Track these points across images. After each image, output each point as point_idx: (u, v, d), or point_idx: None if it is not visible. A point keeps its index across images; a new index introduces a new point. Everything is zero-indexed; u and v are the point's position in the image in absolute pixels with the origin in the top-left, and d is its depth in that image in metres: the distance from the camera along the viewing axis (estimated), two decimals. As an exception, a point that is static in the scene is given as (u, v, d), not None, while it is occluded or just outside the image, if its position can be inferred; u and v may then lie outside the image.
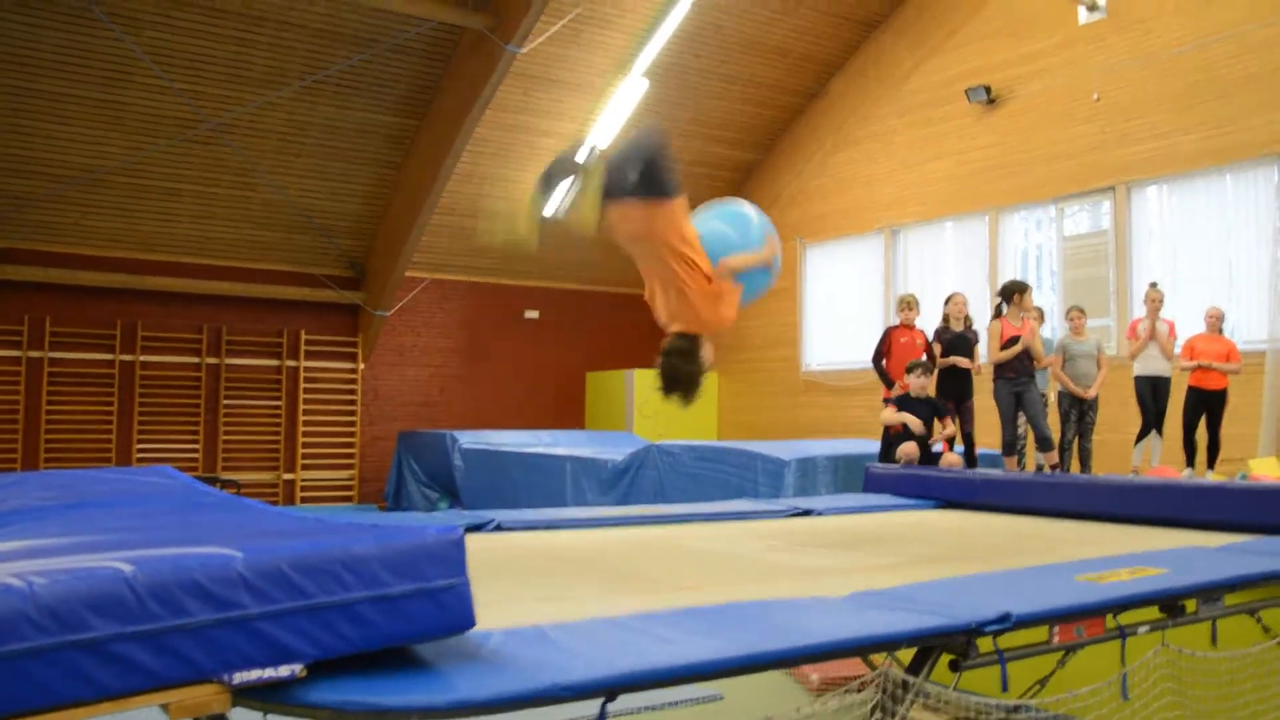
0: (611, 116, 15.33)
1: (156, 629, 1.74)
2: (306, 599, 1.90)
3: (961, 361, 8.92)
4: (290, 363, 15.69)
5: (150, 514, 2.93)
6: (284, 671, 1.87)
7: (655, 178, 4.20)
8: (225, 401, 15.16)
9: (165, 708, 1.77)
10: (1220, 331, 9.78)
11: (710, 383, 17.51)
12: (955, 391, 8.93)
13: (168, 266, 14.75)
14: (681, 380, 4.33)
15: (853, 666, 5.14)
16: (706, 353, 4.34)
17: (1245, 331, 11.30)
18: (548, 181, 4.44)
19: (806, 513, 5.92)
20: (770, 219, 4.78)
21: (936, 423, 8.48)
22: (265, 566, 1.89)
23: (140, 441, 14.48)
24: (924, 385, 8.34)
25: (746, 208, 4.65)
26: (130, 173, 13.56)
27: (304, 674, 1.89)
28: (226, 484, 14.24)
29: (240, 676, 1.83)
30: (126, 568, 1.77)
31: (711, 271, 4.32)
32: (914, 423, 8.15)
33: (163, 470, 4.24)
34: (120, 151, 13.26)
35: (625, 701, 5.39)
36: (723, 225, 4.42)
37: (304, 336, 15.74)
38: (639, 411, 16.56)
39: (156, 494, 3.47)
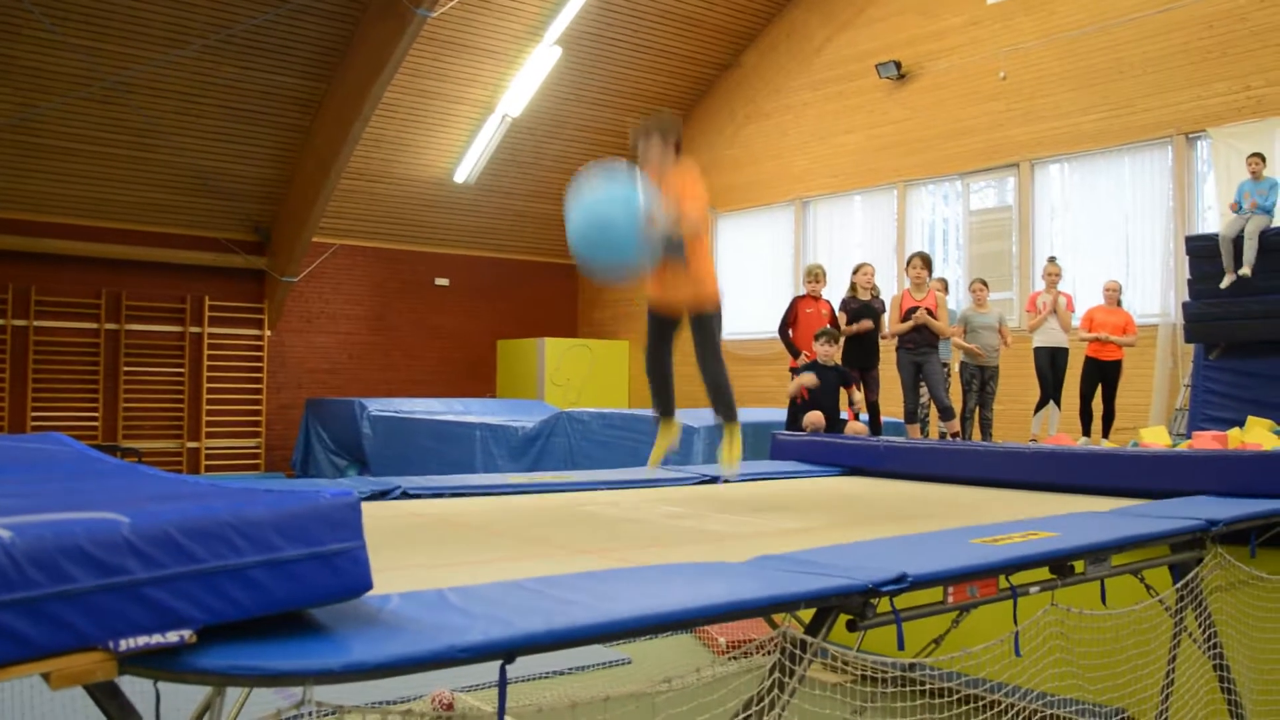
0: (523, 83, 15.20)
1: (35, 596, 1.68)
2: (196, 563, 1.85)
3: (864, 325, 9.05)
4: (194, 329, 15.33)
5: (36, 480, 2.84)
6: (172, 637, 1.82)
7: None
8: (126, 368, 14.76)
9: (46, 677, 1.72)
10: (1119, 304, 10.08)
11: (620, 351, 17.55)
12: (861, 360, 9.07)
13: (62, 229, 14.26)
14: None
15: (759, 629, 5.22)
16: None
17: (1140, 306, 11.67)
18: (661, 406, 5.12)
19: (714, 480, 5.97)
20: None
21: (844, 391, 8.61)
22: (153, 531, 1.84)
23: (35, 410, 14.04)
24: (830, 353, 8.44)
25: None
26: (21, 129, 13.04)
27: (194, 640, 1.85)
28: (127, 453, 13.89)
29: (126, 643, 1.78)
30: (4, 534, 1.71)
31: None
32: (808, 379, 8.26)
33: (54, 437, 4.10)
34: (10, 108, 12.75)
35: (532, 666, 5.41)
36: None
37: (208, 302, 15.38)
38: (550, 379, 16.53)
39: (45, 461, 3.36)
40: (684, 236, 4.47)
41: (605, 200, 4.16)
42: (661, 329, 4.91)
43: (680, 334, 4.90)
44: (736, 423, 5.00)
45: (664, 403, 5.08)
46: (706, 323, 4.74)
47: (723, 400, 4.88)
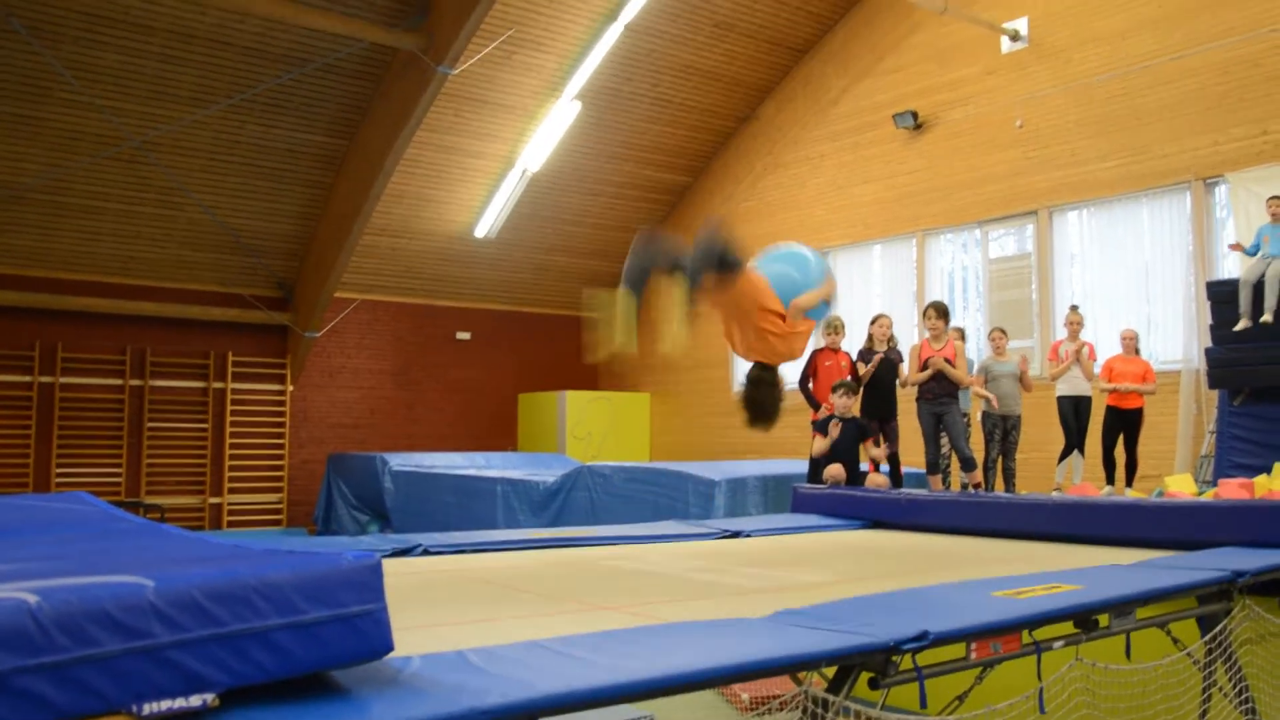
0: (543, 138, 15.36)
1: (61, 660, 1.70)
2: (219, 627, 1.87)
3: (875, 362, 9.04)
4: (217, 384, 15.43)
5: (61, 542, 2.87)
6: (195, 701, 1.84)
7: (726, 262, 4.69)
8: (149, 424, 14.86)
9: (71, 740, 1.73)
10: (1136, 352, 10.03)
11: (640, 404, 17.57)
12: (879, 411, 9.05)
13: (89, 286, 14.45)
14: (766, 406, 4.85)
15: (783, 685, 5.17)
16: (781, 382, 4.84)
17: (1162, 352, 11.61)
18: (635, 282, 4.90)
19: (736, 534, 5.96)
20: (823, 256, 5.09)
21: (863, 444, 8.58)
22: (177, 594, 1.86)
23: (60, 466, 14.13)
24: (848, 405, 8.44)
25: (802, 249, 5.11)
26: (49, 189, 13.27)
27: (216, 703, 1.86)
28: (149, 509, 13.95)
29: (150, 707, 1.80)
30: (31, 598, 1.74)
31: (784, 312, 4.79)
32: (822, 444, 8.23)
33: (78, 496, 4.15)
34: (38, 168, 12.98)
35: (554, 725, 5.37)
36: (786, 268, 4.88)
37: (231, 358, 15.49)
38: (571, 433, 16.53)
39: (70, 521, 3.40)
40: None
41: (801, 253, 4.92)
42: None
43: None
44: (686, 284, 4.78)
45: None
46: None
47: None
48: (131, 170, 13.54)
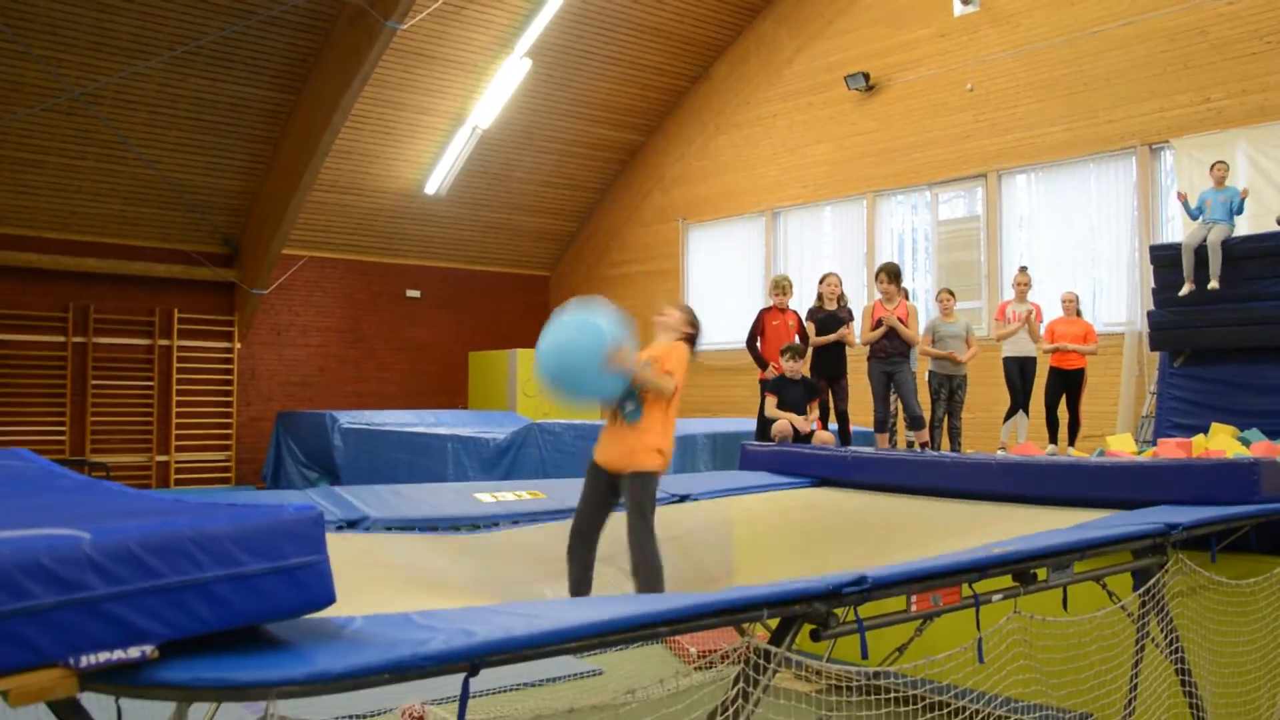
0: (493, 95, 15.21)
1: (-6, 612, 1.68)
2: (158, 579, 1.86)
3: (838, 335, 9.10)
4: (163, 342, 15.21)
5: (-2, 496, 2.82)
6: (134, 653, 1.82)
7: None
8: (94, 382, 14.63)
9: (4, 694, 1.72)
10: (1078, 314, 10.18)
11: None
12: (829, 370, 9.12)
13: (29, 241, 14.13)
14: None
15: (730, 639, 5.23)
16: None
17: (1106, 314, 11.80)
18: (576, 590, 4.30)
19: (684, 498, 5.98)
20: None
21: (809, 404, 8.64)
22: (114, 547, 1.84)
23: (1, 424, 13.88)
24: (796, 368, 8.49)
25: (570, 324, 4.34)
26: (-14, 142, 12.95)
27: (155, 655, 1.85)
28: (95, 467, 13.77)
29: (88, 659, 1.78)
30: (-37, 551, 1.71)
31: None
32: (800, 423, 8.26)
33: (17, 453, 4.08)
34: (-26, 120, 12.64)
35: (503, 678, 5.39)
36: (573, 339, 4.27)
37: (177, 315, 15.27)
38: (521, 390, 16.50)
39: (7, 477, 3.34)
40: (644, 393, 4.38)
41: (574, 325, 4.22)
42: (596, 485, 4.47)
43: (610, 509, 4.48)
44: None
45: (579, 587, 4.21)
46: (634, 489, 4.32)
47: (645, 577, 4.11)
48: (71, 123, 13.22)
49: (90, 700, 2.35)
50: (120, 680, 1.84)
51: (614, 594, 2.50)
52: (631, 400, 4.36)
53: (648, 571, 4.09)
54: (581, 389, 4.25)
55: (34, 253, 14.10)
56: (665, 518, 5.36)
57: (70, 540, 1.83)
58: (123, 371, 14.96)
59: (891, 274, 9.22)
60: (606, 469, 4.43)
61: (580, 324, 4.19)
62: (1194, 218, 9.41)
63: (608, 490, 4.42)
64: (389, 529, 4.73)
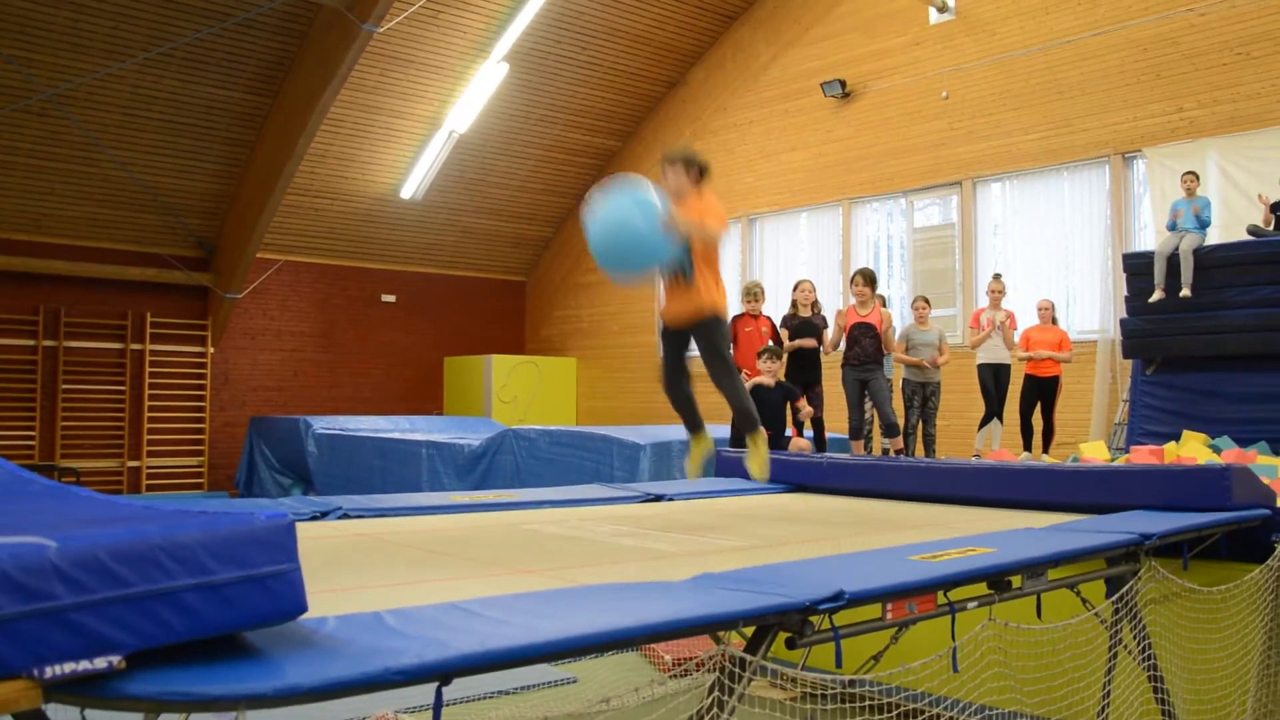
0: (470, 100, 15.18)
1: (-44, 622, 1.65)
2: (125, 588, 1.83)
3: (807, 342, 9.12)
4: (135, 346, 15.09)
5: (-37, 503, 2.78)
6: (100, 663, 1.79)
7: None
8: (64, 386, 14.49)
9: (-34, 705, 1.69)
10: (1053, 322, 10.25)
11: (567, 368, 17.55)
12: (803, 377, 9.14)
13: (-1, 243, 14.00)
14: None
15: (705, 647, 5.23)
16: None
17: (1079, 322, 11.89)
18: (690, 423, 5.37)
19: (658, 498, 5.98)
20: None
21: (790, 405, 8.66)
22: (81, 555, 1.81)
23: (-32, 428, 13.74)
24: (773, 370, 8.51)
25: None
26: (-44, 144, 12.81)
27: (123, 665, 1.82)
28: (64, 473, 13.63)
29: (52, 670, 1.75)
30: (-75, 558, 1.68)
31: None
32: (765, 381, 8.31)
33: (-16, 457, 4.02)
34: (-56, 121, 12.51)
35: (477, 686, 5.36)
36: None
37: (150, 319, 15.15)
38: (497, 396, 16.47)
39: (-26, 482, 3.29)
40: (694, 249, 4.70)
41: (624, 204, 4.38)
42: (672, 344, 5.08)
43: (690, 349, 5.06)
44: (758, 431, 5.22)
45: (689, 419, 5.24)
46: (709, 333, 4.90)
47: (738, 411, 5.16)
48: (43, 124, 13.10)
49: (55, 712, 2.32)
50: (86, 692, 1.81)
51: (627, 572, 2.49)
52: (687, 259, 4.73)
53: (740, 406, 5.09)
54: (643, 259, 4.48)
55: (3, 255, 13.96)
56: (637, 513, 5.37)
57: (36, 548, 1.80)
58: (94, 376, 14.83)
59: (868, 279, 9.26)
60: (677, 327, 4.97)
61: (629, 201, 4.39)
62: (1170, 228, 9.50)
63: (683, 346, 5.04)
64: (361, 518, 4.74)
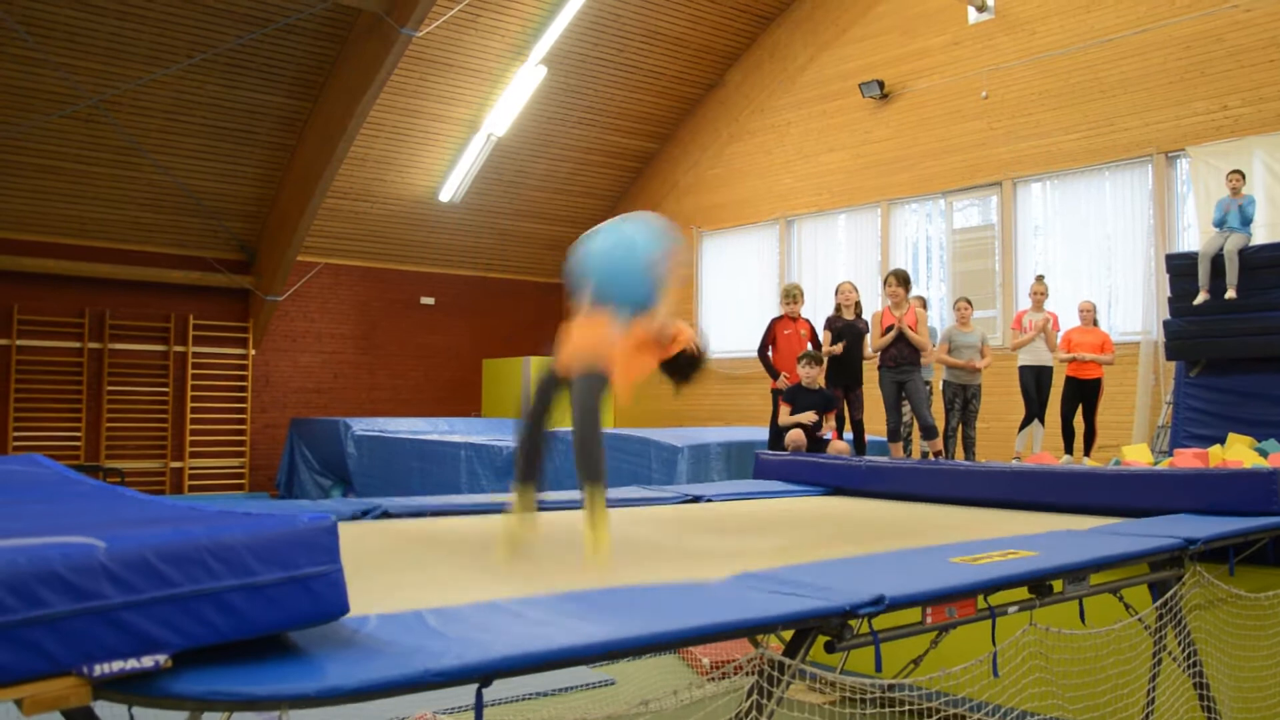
0: (508, 103, 15.24)
1: (9, 622, 1.68)
2: (172, 588, 1.85)
3: (837, 349, 9.05)
4: (178, 348, 15.27)
5: (12, 503, 2.83)
6: (147, 662, 1.82)
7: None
8: (109, 388, 14.70)
9: (19, 703, 1.72)
10: (1094, 323, 10.14)
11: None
12: (844, 379, 9.09)
13: (45, 247, 14.22)
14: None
15: (743, 648, 5.21)
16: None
17: (1122, 324, 11.75)
18: (526, 471, 4.33)
19: (697, 499, 5.97)
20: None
21: (825, 415, 8.62)
22: (129, 555, 1.84)
23: (17, 429, 13.96)
24: (813, 376, 8.46)
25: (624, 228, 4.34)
26: (2, 148, 13.01)
27: (169, 664, 1.85)
28: (109, 473, 13.82)
29: (101, 668, 1.78)
30: (-22, 558, 1.72)
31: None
32: (805, 417, 8.26)
33: (33, 459, 4.10)
34: (-8, 126, 12.73)
35: (516, 688, 5.37)
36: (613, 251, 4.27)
37: (192, 321, 15.33)
38: (535, 399, 16.49)
39: (23, 483, 3.35)
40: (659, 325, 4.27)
41: (633, 227, 4.27)
42: (554, 389, 4.44)
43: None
44: (600, 486, 3.95)
45: (530, 466, 4.36)
46: (588, 383, 4.27)
47: (580, 454, 4.12)
48: (87, 130, 13.30)
49: (103, 709, 2.36)
50: (133, 690, 1.84)
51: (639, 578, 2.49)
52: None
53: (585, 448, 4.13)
54: (626, 286, 4.20)
55: (50, 258, 14.19)
56: (676, 515, 5.36)
57: (85, 549, 1.83)
58: (138, 377, 15.03)
59: (901, 279, 9.17)
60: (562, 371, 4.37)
61: (644, 230, 4.25)
62: (1217, 224, 9.36)
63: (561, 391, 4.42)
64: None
